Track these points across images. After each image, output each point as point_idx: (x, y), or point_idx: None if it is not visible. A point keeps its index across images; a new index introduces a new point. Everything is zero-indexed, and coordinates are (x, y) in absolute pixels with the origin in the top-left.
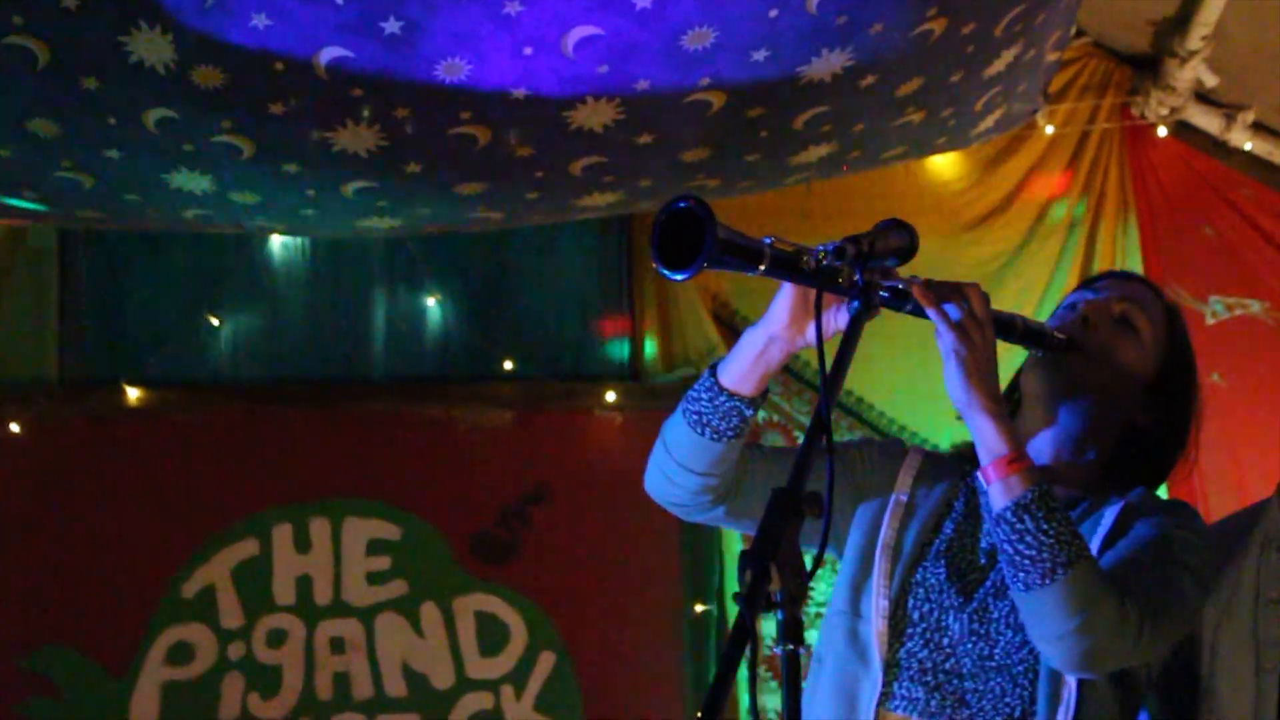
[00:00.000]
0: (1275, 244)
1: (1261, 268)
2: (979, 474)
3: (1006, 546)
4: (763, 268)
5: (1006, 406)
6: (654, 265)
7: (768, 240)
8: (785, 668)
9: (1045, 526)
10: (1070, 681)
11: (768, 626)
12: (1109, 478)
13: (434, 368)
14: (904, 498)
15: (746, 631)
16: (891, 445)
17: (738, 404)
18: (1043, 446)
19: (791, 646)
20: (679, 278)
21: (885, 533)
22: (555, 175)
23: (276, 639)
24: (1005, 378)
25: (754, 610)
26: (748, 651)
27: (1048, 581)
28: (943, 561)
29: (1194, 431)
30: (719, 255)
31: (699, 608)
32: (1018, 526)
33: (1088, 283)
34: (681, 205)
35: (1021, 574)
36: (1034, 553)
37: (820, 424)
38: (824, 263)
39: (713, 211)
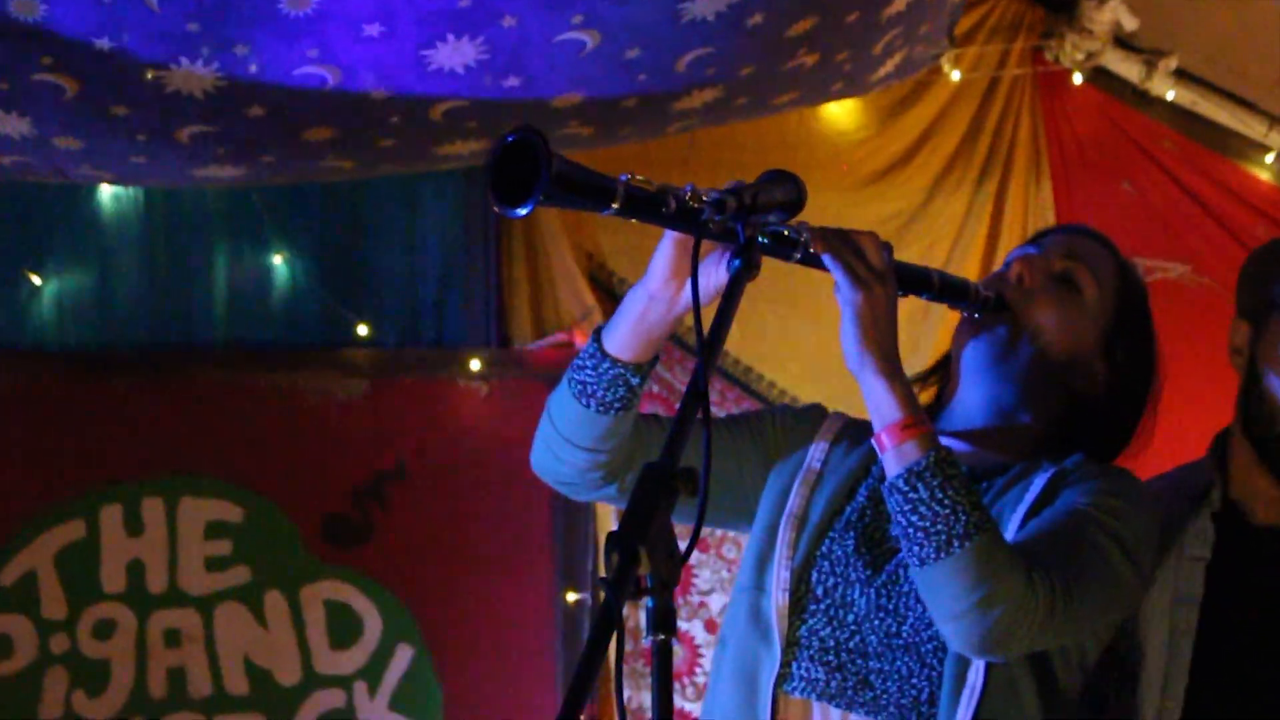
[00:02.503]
0: (1199, 201)
1: (1184, 228)
2: (873, 441)
3: (900, 518)
4: (615, 206)
5: (932, 372)
6: (496, 208)
7: (624, 177)
8: (656, 659)
9: (940, 495)
10: (978, 663)
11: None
12: (1047, 445)
13: (280, 333)
14: (817, 464)
15: (613, 619)
16: (808, 410)
17: (623, 372)
18: (972, 413)
19: (662, 636)
20: (518, 214)
21: (793, 501)
22: (413, 120)
23: (104, 631)
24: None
25: (620, 597)
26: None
27: (943, 555)
28: (852, 532)
29: (1151, 402)
30: (557, 190)
31: (572, 596)
32: (910, 495)
33: (1034, 238)
34: (511, 139)
35: (916, 547)
36: (928, 524)
37: (697, 393)
38: (692, 205)
39: (547, 141)
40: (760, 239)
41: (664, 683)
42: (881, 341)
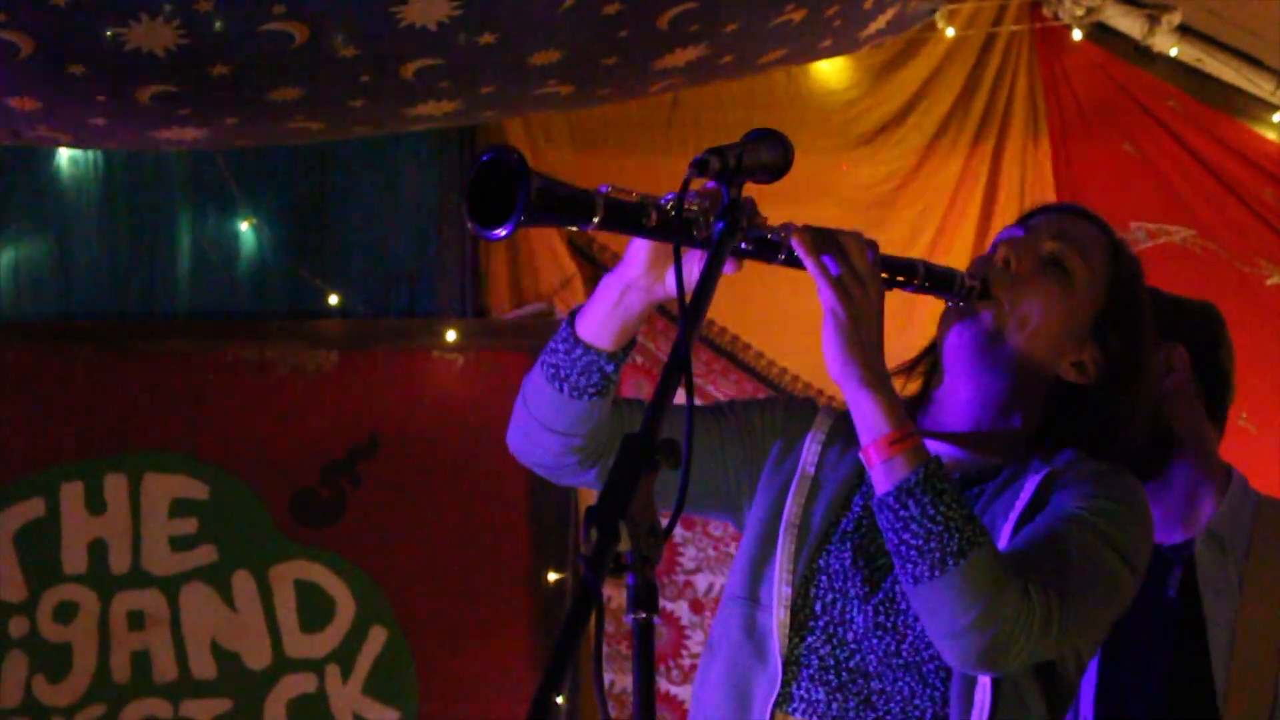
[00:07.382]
0: (1203, 163)
1: (1188, 190)
2: (860, 455)
3: (891, 535)
4: (596, 220)
5: (917, 361)
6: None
7: (603, 189)
8: (636, 639)
9: (932, 512)
10: (984, 680)
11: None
12: (1038, 443)
13: (247, 302)
14: (811, 469)
15: (592, 597)
16: (799, 405)
17: (596, 358)
18: (960, 409)
19: (644, 615)
20: (496, 236)
21: (790, 509)
22: (384, 80)
23: (65, 613)
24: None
25: (599, 573)
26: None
27: (937, 573)
28: (849, 544)
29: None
30: (537, 212)
31: (552, 575)
32: (901, 513)
33: (1021, 219)
34: (486, 158)
35: (910, 565)
36: (920, 542)
37: (679, 363)
38: (674, 214)
39: (526, 161)
40: (743, 244)
41: (645, 663)
42: (865, 349)
